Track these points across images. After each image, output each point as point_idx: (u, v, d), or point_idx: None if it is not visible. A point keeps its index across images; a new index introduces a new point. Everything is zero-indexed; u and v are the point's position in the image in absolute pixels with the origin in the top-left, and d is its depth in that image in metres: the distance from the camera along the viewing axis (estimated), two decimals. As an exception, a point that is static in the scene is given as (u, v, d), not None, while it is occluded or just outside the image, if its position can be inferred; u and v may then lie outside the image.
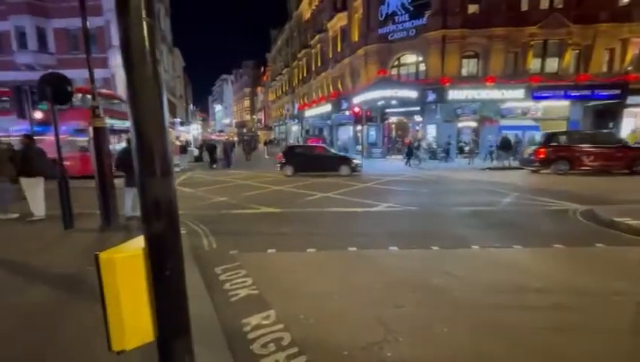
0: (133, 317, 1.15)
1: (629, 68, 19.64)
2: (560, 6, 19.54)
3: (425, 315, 3.04)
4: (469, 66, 21.24)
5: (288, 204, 8.22)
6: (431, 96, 20.58)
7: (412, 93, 20.75)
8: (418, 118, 22.64)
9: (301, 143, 19.54)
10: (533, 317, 2.96)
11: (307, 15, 36.89)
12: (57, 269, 4.04)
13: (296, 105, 41.52)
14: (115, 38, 21.97)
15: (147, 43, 1.07)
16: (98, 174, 5.84)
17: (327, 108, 29.10)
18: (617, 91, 19.26)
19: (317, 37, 32.85)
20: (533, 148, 14.51)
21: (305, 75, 38.76)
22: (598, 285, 3.57)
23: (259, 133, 62.32)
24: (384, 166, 17.94)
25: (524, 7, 19.86)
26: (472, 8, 20.50)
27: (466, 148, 19.94)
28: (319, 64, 33.91)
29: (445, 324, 2.86)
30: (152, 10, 1.08)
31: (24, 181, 6.43)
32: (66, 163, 11.17)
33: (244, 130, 69.28)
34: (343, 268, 4.21)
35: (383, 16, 22.58)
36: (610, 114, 20.20)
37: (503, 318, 2.94)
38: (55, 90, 5.57)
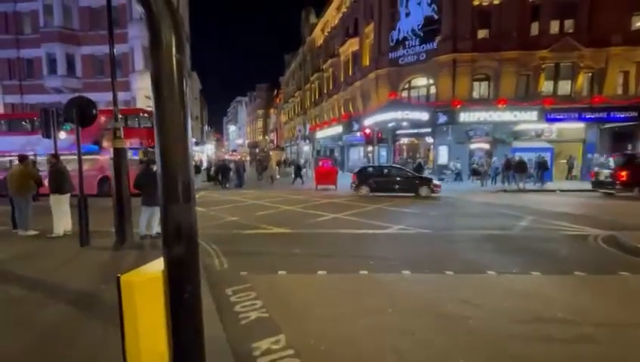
0: (149, 340, 1.16)
1: (645, 90, 19.38)
2: (571, 30, 19.70)
3: (440, 344, 2.94)
4: (480, 89, 21.36)
5: (299, 224, 8.22)
6: (442, 118, 20.65)
7: (423, 115, 20.89)
8: (429, 140, 22.65)
9: (379, 164, 18.71)
10: (554, 349, 2.82)
11: (320, 41, 38.20)
12: (70, 286, 4.11)
13: (308, 127, 42.21)
14: (138, 64, 23.21)
15: (176, 77, 1.15)
16: (116, 193, 6.02)
17: (338, 129, 29.49)
18: (634, 113, 18.93)
19: (329, 61, 33.83)
20: (609, 170, 13.63)
21: (317, 97, 39.66)
22: (625, 316, 3.39)
23: (271, 153, 63.17)
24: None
25: (534, 31, 20.10)
26: (482, 33, 20.87)
27: (481, 170, 19.67)
28: (331, 87, 34.71)
29: (462, 355, 2.75)
30: (182, 48, 1.16)
31: (52, 198, 6.66)
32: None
33: (257, 150, 70.46)
34: (354, 291, 4.14)
35: (394, 42, 23.19)
36: (628, 135, 19.77)
37: (523, 350, 2.81)
38: (81, 112, 5.88)
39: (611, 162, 13.99)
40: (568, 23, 19.81)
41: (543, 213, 9.61)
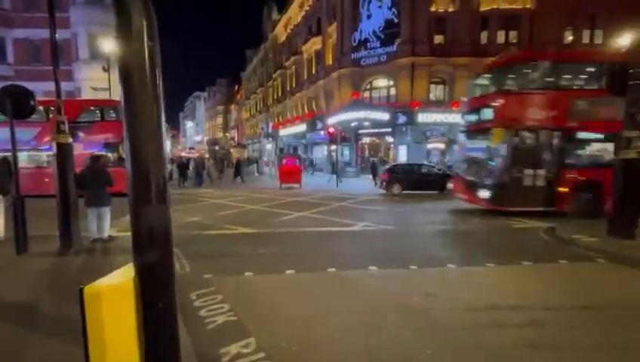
0: (118, 355, 1.05)
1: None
2: (515, 41, 21.48)
3: (408, 337, 3.05)
4: (436, 91, 22.55)
5: (264, 224, 8.07)
6: (401, 119, 21.50)
7: (384, 115, 21.57)
8: (390, 139, 23.45)
9: (405, 163, 18.23)
10: (510, 335, 3.06)
11: (282, 37, 37.78)
12: (3, 300, 3.65)
13: (271, 124, 41.60)
14: (83, 52, 21.20)
15: (148, 68, 1.05)
16: (60, 193, 5.44)
17: (301, 127, 29.47)
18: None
19: (292, 59, 33.60)
20: None
21: (280, 94, 39.22)
22: (566, 300, 3.78)
23: (231, 150, 61.39)
24: (358, 185, 18.24)
25: (484, 40, 21.64)
26: (438, 39, 22.03)
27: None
28: (294, 85, 34.53)
29: (428, 346, 2.87)
30: (154, 35, 1.06)
31: None
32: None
33: (217, 148, 68.03)
34: (323, 290, 4.15)
35: (356, 42, 23.64)
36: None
37: (483, 337, 3.01)
38: (16, 104, 5.21)
39: None
40: (512, 34, 21.59)
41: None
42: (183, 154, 46.47)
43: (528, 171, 8.47)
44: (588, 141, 8.97)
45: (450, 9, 21.50)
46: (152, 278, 1.10)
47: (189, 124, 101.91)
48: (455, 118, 21.21)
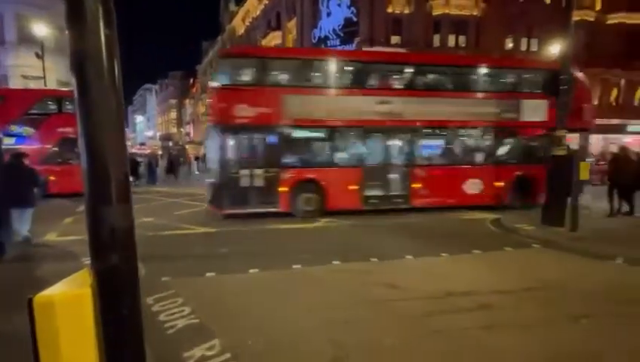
0: (75, 370, 0.97)
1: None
2: (463, 45, 22.98)
3: (372, 328, 3.16)
4: (393, 91, 23.38)
5: (225, 222, 7.83)
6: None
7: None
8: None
9: None
10: (464, 318, 3.31)
11: (241, 30, 36.67)
12: None
13: (230, 120, 40.24)
14: (9, 34, 18.80)
15: (105, 57, 0.96)
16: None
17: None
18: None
19: (251, 52, 32.75)
20: None
21: (238, 89, 38.05)
22: (510, 283, 4.17)
23: (187, 147, 58.54)
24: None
25: (437, 43, 22.87)
26: (395, 39, 22.84)
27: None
28: (253, 79, 33.72)
29: (391, 335, 3.01)
30: (111, 21, 0.98)
31: None
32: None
33: (171, 144, 64.41)
34: (288, 287, 4.15)
35: (316, 39, 23.69)
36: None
37: (441, 323, 3.23)
38: None
39: None
40: (462, 39, 23.07)
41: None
42: (134, 150, 43.37)
43: (244, 171, 7.84)
44: (309, 139, 8.57)
45: (406, 11, 22.39)
46: (115, 283, 1.02)
47: (139, 118, 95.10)
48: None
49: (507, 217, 7.83)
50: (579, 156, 7.06)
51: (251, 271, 4.62)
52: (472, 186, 9.05)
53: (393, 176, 8.82)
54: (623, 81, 25.57)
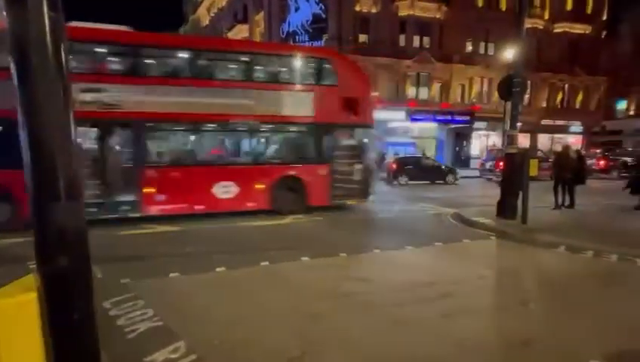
0: (19, 382, 0.89)
1: (474, 100, 25.29)
2: (427, 46, 23.85)
3: (341, 321, 3.22)
4: (361, 88, 23.73)
5: (190, 220, 7.55)
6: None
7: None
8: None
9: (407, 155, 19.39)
10: (428, 307, 3.47)
11: (205, 21, 35.27)
12: None
13: (195, 114, 38.73)
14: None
15: (50, 42, 0.87)
16: None
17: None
18: (467, 118, 24.48)
19: (217, 45, 31.67)
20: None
21: (204, 82, 36.69)
22: (468, 273, 4.44)
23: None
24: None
25: (402, 43, 23.53)
26: (362, 38, 23.18)
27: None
28: (220, 73, 32.67)
29: (360, 327, 3.09)
30: (56, 2, 0.89)
31: None
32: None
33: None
34: (256, 284, 4.11)
35: (285, 34, 23.40)
36: (464, 135, 25.56)
37: (407, 312, 3.36)
38: None
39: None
40: (426, 40, 23.92)
41: (410, 198, 11.54)
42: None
43: None
44: None
45: (373, 10, 22.77)
46: (64, 287, 0.95)
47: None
48: (378, 114, 22.74)
49: (466, 210, 8.30)
50: (528, 154, 7.63)
51: (217, 269, 4.51)
52: (225, 190, 7.71)
53: (117, 179, 7.20)
54: (567, 86, 27.96)
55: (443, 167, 17.30)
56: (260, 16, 25.14)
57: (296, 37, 23.00)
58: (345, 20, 22.28)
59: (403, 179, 15.78)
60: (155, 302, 3.54)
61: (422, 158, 17.78)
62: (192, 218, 7.74)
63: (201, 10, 35.37)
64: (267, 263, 4.76)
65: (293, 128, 8.49)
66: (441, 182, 16.19)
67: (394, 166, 16.21)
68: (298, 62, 8.55)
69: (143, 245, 5.80)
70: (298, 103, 8.17)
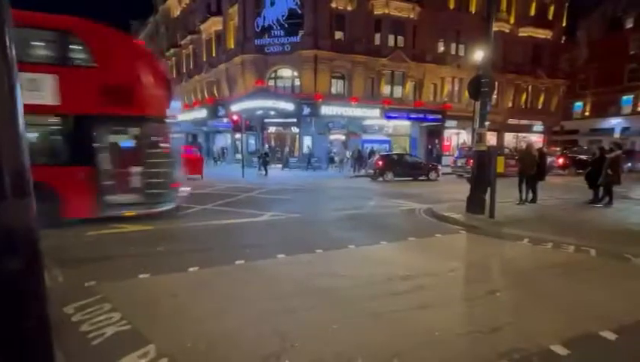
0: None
1: (446, 99, 26.13)
2: (402, 45, 24.32)
3: (316, 316, 3.22)
4: (337, 86, 23.87)
5: (161, 219, 7.27)
6: (306, 110, 22.08)
7: (289, 106, 21.77)
8: (295, 130, 23.88)
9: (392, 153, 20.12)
10: (402, 300, 3.55)
11: (176, 12, 33.94)
12: None
13: (165, 108, 37.24)
14: None
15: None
16: None
17: (202, 113, 27.28)
18: (439, 116, 25.27)
19: (189, 37, 30.58)
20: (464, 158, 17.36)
21: (175, 76, 35.34)
22: (440, 266, 4.58)
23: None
24: (268, 174, 18.08)
25: (377, 41, 23.83)
26: (338, 35, 23.24)
27: (336, 158, 22.32)
28: (192, 66, 31.61)
29: (336, 322, 3.10)
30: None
31: None
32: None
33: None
34: (231, 283, 4.02)
35: (259, 28, 23.00)
36: (436, 133, 26.37)
37: (381, 306, 3.41)
38: None
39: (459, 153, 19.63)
40: (400, 39, 24.37)
41: (386, 194, 11.76)
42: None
43: None
44: None
45: (349, 8, 22.87)
46: (13, 294, 0.87)
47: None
48: (354, 111, 22.98)
49: (438, 206, 8.58)
50: (495, 151, 7.99)
51: (191, 269, 4.37)
52: None
53: None
54: (530, 87, 29.56)
55: (427, 163, 18.05)
56: (234, 9, 24.53)
57: (272, 32, 22.68)
58: (321, 17, 22.23)
59: (388, 176, 16.12)
60: (122, 305, 3.37)
61: (406, 156, 18.31)
62: (164, 218, 7.46)
63: (172, 1, 33.97)
64: (243, 261, 4.67)
65: (30, 121, 6.39)
66: (424, 178, 16.65)
67: (380, 163, 16.55)
68: (28, 34, 6.32)
69: (110, 246, 5.51)
70: (34, 89, 6.09)
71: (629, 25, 31.64)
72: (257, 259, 4.77)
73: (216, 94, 27.68)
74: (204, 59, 28.73)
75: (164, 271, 4.31)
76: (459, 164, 18.99)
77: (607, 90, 32.84)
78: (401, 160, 17.22)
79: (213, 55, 27.59)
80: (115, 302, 3.44)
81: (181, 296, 3.67)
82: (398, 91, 24.95)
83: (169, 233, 6.27)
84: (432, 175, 16.93)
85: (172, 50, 34.42)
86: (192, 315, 3.25)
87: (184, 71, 32.73)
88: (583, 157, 19.42)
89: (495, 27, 8.78)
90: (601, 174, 8.87)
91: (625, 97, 32.11)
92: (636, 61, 30.72)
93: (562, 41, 30.40)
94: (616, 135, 30.45)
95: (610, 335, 2.91)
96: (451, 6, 25.30)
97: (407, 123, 25.26)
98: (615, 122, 32.48)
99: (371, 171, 17.17)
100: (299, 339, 2.82)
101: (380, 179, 16.17)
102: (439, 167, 17.88)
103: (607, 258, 5.00)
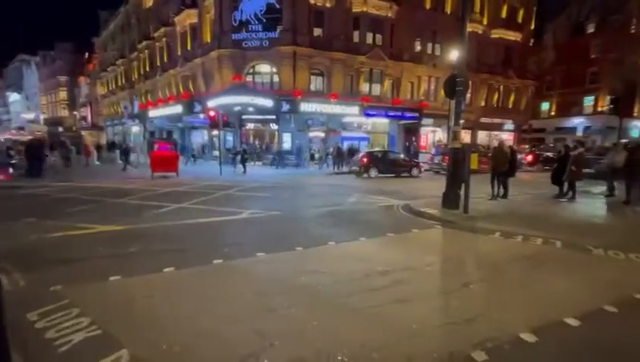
0: None
1: (422, 98, 26.72)
2: (380, 43, 24.57)
3: (296, 314, 3.21)
4: (316, 82, 23.81)
5: (135, 219, 7.00)
6: (285, 107, 21.90)
7: (268, 102, 21.50)
8: (274, 126, 23.62)
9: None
10: (381, 295, 3.60)
11: (149, 2, 32.62)
12: None
13: (137, 103, 35.89)
14: None
15: None
16: None
17: (177, 109, 26.44)
18: (416, 114, 25.81)
19: (162, 30, 29.46)
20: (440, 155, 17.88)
21: (148, 69, 34.01)
22: (417, 260, 4.69)
23: (83, 133, 50.34)
24: (256, 171, 17.80)
25: (356, 39, 23.95)
26: (317, 31, 23.14)
27: (316, 156, 22.33)
28: (165, 60, 30.50)
29: (315, 319, 3.10)
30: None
31: None
32: None
33: (61, 129, 54.43)
34: (209, 283, 3.93)
35: (237, 22, 22.50)
36: (413, 131, 26.92)
37: (360, 301, 3.45)
38: None
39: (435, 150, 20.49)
40: (378, 37, 24.62)
41: (366, 190, 11.89)
42: (8, 136, 35.45)
43: None
44: None
45: (328, 4, 22.82)
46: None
47: (14, 96, 77.55)
48: (333, 108, 23.03)
49: (415, 202, 8.77)
50: (469, 149, 8.26)
51: (166, 270, 4.23)
52: None
53: None
54: (502, 87, 30.77)
55: (409, 160, 18.38)
56: (210, 2, 23.86)
57: (250, 26, 22.25)
58: (299, 12, 22.06)
59: (373, 172, 16.30)
60: (92, 310, 3.21)
61: (389, 153, 18.58)
62: (137, 218, 7.19)
63: (144, -9, 32.61)
64: (221, 261, 4.57)
65: None
66: (406, 175, 16.96)
67: (365, 160, 16.69)
68: None
69: (78, 247, 5.23)
70: None
71: (591, 30, 33.56)
72: (236, 258, 4.69)
73: (191, 89, 26.87)
74: (179, 53, 27.80)
75: (137, 272, 4.14)
76: (436, 161, 19.52)
77: (571, 91, 34.78)
78: (385, 157, 17.45)
79: (189, 49, 26.75)
80: (83, 306, 3.27)
81: (156, 297, 3.55)
82: (376, 89, 25.23)
83: (142, 233, 6.04)
84: (415, 171, 17.31)
85: (145, 43, 33.06)
86: (168, 317, 3.14)
87: (158, 64, 31.53)
88: (550, 154, 20.49)
89: (469, 28, 9.04)
90: (565, 170, 9.39)
91: (587, 98, 34.14)
92: (597, 64, 32.67)
93: (531, 44, 31.83)
94: (579, 134, 32.34)
95: (574, 322, 3.09)
96: (427, 6, 25.82)
97: (385, 120, 25.62)
98: (578, 121, 34.48)
99: (356, 168, 17.37)
100: (278, 338, 2.80)
101: (365, 175, 16.34)
102: (421, 164, 18.31)
103: (571, 249, 5.31)
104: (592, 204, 9.17)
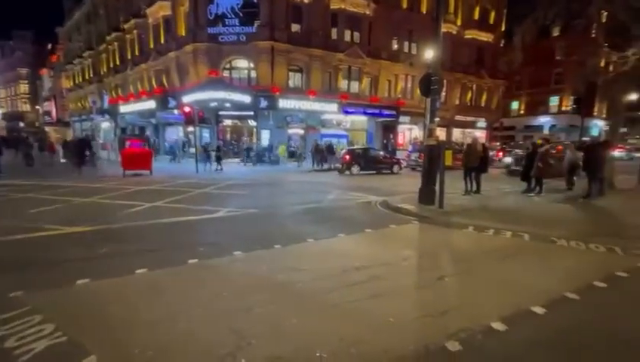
0: None
1: (399, 96, 27.18)
2: (358, 41, 24.72)
3: (274, 312, 3.19)
4: (295, 79, 23.64)
5: (105, 219, 6.69)
6: (263, 103, 21.60)
7: (245, 98, 21.13)
8: (253, 123, 23.26)
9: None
10: (358, 290, 3.64)
11: (119, -8, 31.06)
12: None
13: (107, 98, 34.23)
14: None
15: None
16: None
17: (150, 104, 25.44)
18: (394, 112, 26.23)
19: (133, 21, 28.20)
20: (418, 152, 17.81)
21: (118, 63, 32.49)
22: (394, 256, 4.78)
23: (47, 129, 47.53)
24: (224, 168, 17.43)
25: (334, 36, 23.96)
26: (295, 27, 22.95)
27: (297, 153, 22.21)
28: (137, 53, 29.23)
29: (293, 316, 3.09)
30: None
31: None
32: None
33: (22, 125, 51.13)
34: (184, 284, 3.82)
35: (212, 16, 21.91)
36: (391, 128, 27.37)
37: (338, 297, 3.47)
38: None
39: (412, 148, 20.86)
40: (356, 35, 24.75)
41: (345, 187, 11.97)
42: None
43: None
44: None
45: (306, 0, 22.65)
46: None
47: (-32, 89, 71.90)
48: (312, 105, 22.97)
49: (393, 198, 8.94)
50: (443, 146, 8.49)
51: (138, 271, 4.07)
52: None
53: None
54: (475, 86, 31.83)
55: (390, 157, 18.67)
56: (184, -6, 23.05)
57: (226, 20, 21.73)
58: (277, 7, 21.78)
59: (355, 169, 16.41)
60: (56, 316, 3.04)
61: (371, 150, 18.76)
62: (107, 216, 6.87)
63: (113, -20, 31.03)
64: (197, 260, 4.45)
65: None
66: (387, 172, 17.21)
67: (347, 157, 16.80)
68: None
69: (42, 250, 4.93)
70: None
71: (556, 33, 35.34)
72: (212, 258, 4.59)
73: (165, 84, 25.94)
74: (152, 46, 26.73)
75: (107, 275, 3.96)
76: (412, 158, 19.96)
77: (538, 90, 36.57)
78: (366, 154, 17.61)
79: (162, 42, 25.77)
80: (47, 312, 3.09)
81: (126, 301, 3.40)
82: (354, 86, 25.40)
83: (113, 233, 5.78)
84: (395, 168, 17.65)
85: (114, 35, 31.52)
86: (141, 320, 3.03)
87: (129, 58, 30.17)
88: (519, 151, 21.45)
89: (444, 28, 9.26)
90: (533, 166, 9.87)
91: (552, 98, 36.02)
92: (561, 66, 34.49)
93: (501, 45, 33.08)
94: (545, 131, 34.10)
95: (540, 310, 3.26)
96: (404, 5, 26.23)
97: (363, 118, 25.87)
98: (544, 120, 36.34)
99: (339, 165, 17.50)
100: (256, 337, 2.77)
101: (347, 172, 16.46)
102: (402, 161, 18.65)
103: (537, 241, 5.59)
104: (556, 198, 9.69)
